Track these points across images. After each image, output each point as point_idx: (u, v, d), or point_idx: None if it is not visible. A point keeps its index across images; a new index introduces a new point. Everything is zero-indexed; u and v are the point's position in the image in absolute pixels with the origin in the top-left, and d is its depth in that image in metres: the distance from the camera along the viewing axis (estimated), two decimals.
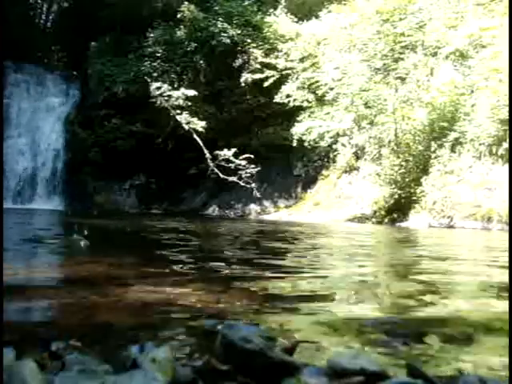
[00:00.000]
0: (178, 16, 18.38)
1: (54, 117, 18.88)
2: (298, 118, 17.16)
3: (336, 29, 17.75)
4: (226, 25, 17.95)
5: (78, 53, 20.06)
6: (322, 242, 6.50)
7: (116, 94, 18.06)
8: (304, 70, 17.67)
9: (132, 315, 1.65)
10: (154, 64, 18.18)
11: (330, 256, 4.42)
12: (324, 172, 16.95)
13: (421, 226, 12.16)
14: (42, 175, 18.25)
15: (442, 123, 13.50)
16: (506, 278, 2.70)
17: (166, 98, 17.44)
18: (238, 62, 18.10)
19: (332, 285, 2.56)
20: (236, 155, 16.79)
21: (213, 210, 17.78)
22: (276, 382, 0.94)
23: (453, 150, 13.17)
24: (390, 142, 14.58)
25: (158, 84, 17.60)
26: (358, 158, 16.15)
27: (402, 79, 15.15)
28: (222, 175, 17.06)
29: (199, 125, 17.19)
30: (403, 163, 13.71)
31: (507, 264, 3.43)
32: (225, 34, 17.80)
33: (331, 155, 16.74)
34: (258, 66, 17.76)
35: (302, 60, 17.88)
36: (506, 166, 11.66)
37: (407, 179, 13.53)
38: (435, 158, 13.32)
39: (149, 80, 17.73)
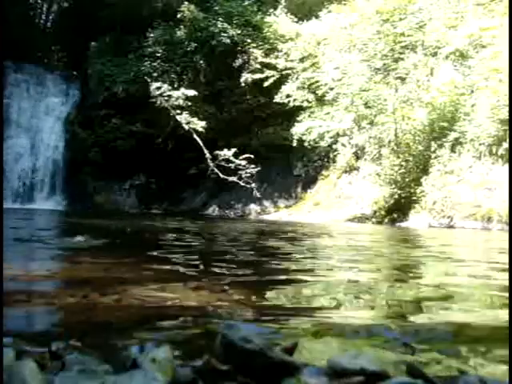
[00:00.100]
0: (178, 16, 18.38)
1: (54, 117, 18.88)
2: (298, 118, 17.17)
3: (336, 29, 17.75)
4: (226, 25, 17.95)
5: (78, 53, 20.06)
6: (322, 242, 6.50)
7: (116, 94, 18.06)
8: (304, 70, 17.67)
9: (132, 315, 1.65)
10: (154, 64, 18.19)
11: (330, 256, 4.41)
12: (324, 172, 16.95)
13: (421, 226, 12.16)
14: (41, 175, 18.25)
15: (442, 123, 13.50)
16: (507, 279, 2.70)
17: (165, 98, 17.45)
18: (238, 61, 18.10)
19: (332, 287, 2.56)
20: (236, 155, 16.79)
21: (213, 210, 17.79)
22: (276, 382, 0.94)
23: (453, 150, 13.17)
24: (390, 141, 14.58)
25: (158, 84, 17.60)
26: (358, 157, 16.16)
27: (402, 79, 15.15)
28: (221, 175, 17.06)
29: (199, 125, 17.19)
30: (403, 163, 13.71)
31: (507, 263, 3.43)
32: (225, 34, 17.80)
33: (331, 155, 16.74)
34: (258, 66, 17.76)
35: (302, 60, 17.88)
36: (506, 165, 11.66)
37: (407, 179, 13.53)
38: (435, 158, 13.32)
39: (149, 80, 17.73)
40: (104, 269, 2.74)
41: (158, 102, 17.43)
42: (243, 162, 16.77)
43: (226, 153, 16.87)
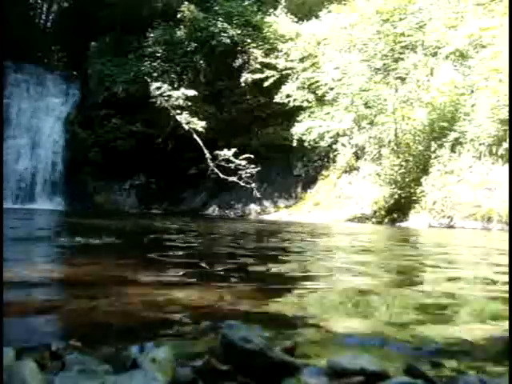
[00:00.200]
0: (178, 16, 18.39)
1: (54, 117, 18.88)
2: (298, 118, 17.17)
3: (336, 29, 17.75)
4: (226, 25, 17.95)
5: (78, 53, 20.07)
6: (322, 242, 6.50)
7: (116, 94, 18.06)
8: (304, 70, 17.67)
9: (132, 315, 1.65)
10: (154, 64, 18.19)
11: (331, 258, 4.41)
12: (324, 172, 16.96)
13: (421, 226, 12.15)
14: (41, 175, 18.25)
15: (442, 123, 13.51)
16: (507, 281, 2.70)
17: (166, 98, 17.45)
18: (238, 61, 18.11)
19: (332, 290, 2.56)
20: (236, 155, 16.80)
21: (213, 210, 17.79)
22: (276, 382, 0.94)
23: (453, 150, 13.17)
24: (390, 141, 14.58)
25: (158, 84, 17.60)
26: (358, 157, 16.16)
27: (402, 79, 15.15)
28: (221, 175, 17.06)
29: (199, 125, 17.19)
30: (403, 163, 13.71)
31: (507, 263, 3.43)
32: (225, 34, 17.80)
33: (331, 155, 16.74)
34: (258, 66, 17.77)
35: (302, 60, 17.88)
36: (506, 165, 11.66)
37: (407, 179, 13.53)
38: (435, 157, 13.32)
39: (149, 80, 17.73)
40: (104, 269, 2.74)
41: (158, 102, 17.43)
42: (243, 162, 16.77)
43: (226, 153, 16.87)
